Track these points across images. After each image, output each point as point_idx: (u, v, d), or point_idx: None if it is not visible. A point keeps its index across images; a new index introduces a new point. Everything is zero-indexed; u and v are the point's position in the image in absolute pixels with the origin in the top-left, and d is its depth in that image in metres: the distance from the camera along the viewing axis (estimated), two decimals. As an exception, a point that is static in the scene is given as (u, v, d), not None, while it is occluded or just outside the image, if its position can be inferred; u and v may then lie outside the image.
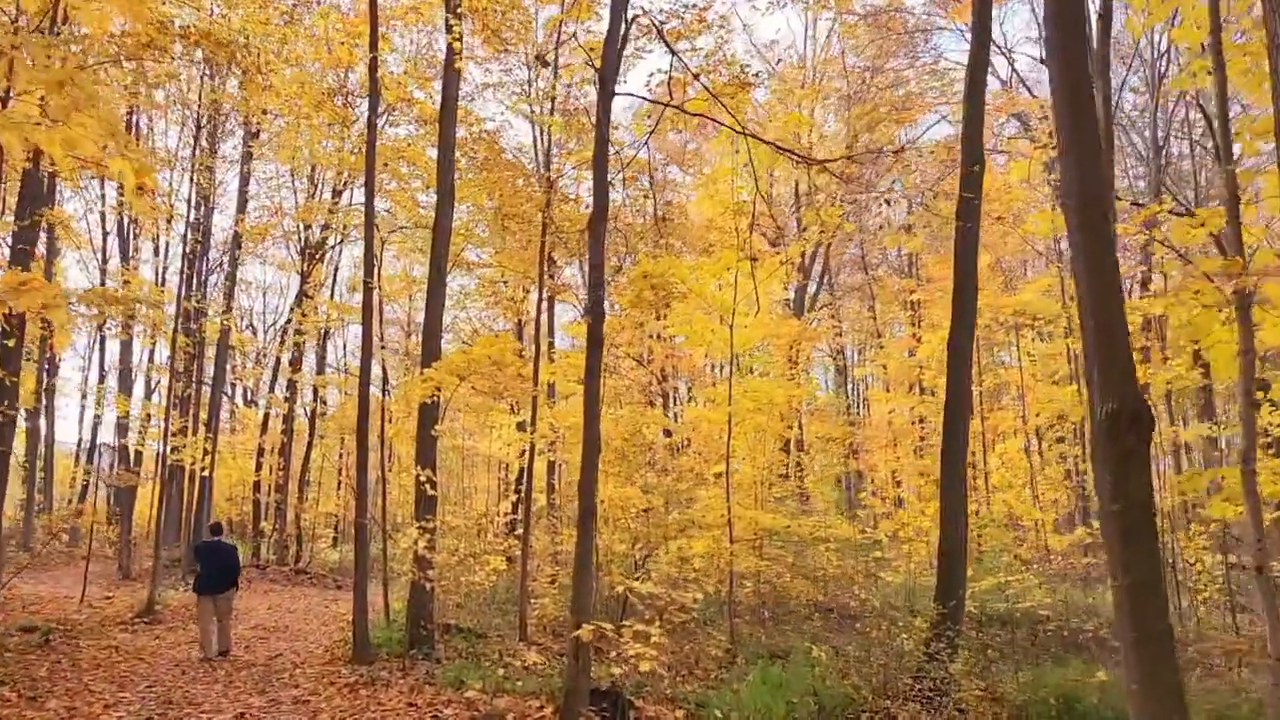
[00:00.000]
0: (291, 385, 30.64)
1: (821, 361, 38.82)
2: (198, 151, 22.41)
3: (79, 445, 36.00)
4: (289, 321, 30.57)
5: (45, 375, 28.34)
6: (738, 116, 10.85)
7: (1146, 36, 19.57)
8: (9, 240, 16.36)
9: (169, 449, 22.40)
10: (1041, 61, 21.46)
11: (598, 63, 9.52)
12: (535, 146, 23.43)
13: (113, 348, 31.87)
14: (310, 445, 31.73)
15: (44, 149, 5.61)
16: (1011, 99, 20.89)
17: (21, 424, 28.79)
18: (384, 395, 22.06)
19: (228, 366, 31.48)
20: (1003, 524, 19.34)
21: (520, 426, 20.19)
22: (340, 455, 36.23)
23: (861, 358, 41.81)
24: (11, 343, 13.42)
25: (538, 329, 17.44)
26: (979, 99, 12.30)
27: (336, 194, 28.49)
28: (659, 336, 24.65)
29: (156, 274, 29.27)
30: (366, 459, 12.94)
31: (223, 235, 30.14)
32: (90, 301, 12.32)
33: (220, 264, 29.41)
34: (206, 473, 24.52)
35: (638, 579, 11.80)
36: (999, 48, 18.61)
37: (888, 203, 14.14)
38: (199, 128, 21.84)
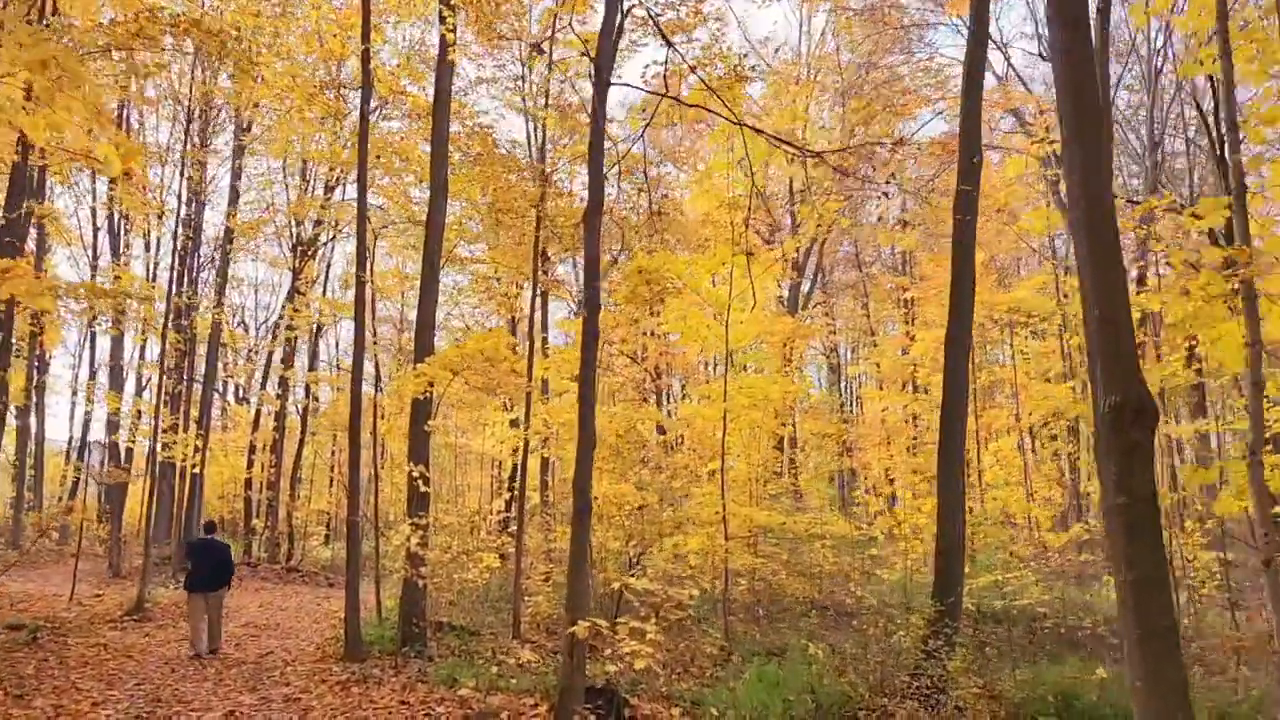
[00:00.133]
0: (283, 382, 30.47)
1: (815, 359, 38.78)
2: (189, 145, 22.23)
3: (69, 443, 35.72)
4: (281, 318, 30.40)
5: (35, 372, 28.11)
6: (734, 109, 10.75)
7: (1143, 33, 19.52)
8: (-3, 234, 16.17)
9: (160, 446, 22.23)
10: (1042, 57, 21.44)
11: (593, 53, 9.41)
12: (529, 141, 23.34)
13: (104, 344, 31.74)
14: (302, 442, 31.57)
15: (27, 133, 5.50)
16: (1008, 94, 20.83)
17: (11, 421, 28.58)
18: (376, 392, 21.93)
19: (219, 363, 31.30)
20: (998, 521, 19.30)
21: (514, 423, 20.10)
22: (332, 452, 36.13)
23: (855, 356, 41.80)
24: (-1, 338, 13.27)
25: (531, 324, 17.34)
26: (977, 93, 12.26)
27: (329, 189, 28.31)
28: (653, 333, 24.57)
29: (147, 270, 29.11)
30: (359, 456, 12.83)
31: (214, 231, 29.98)
32: (78, 295, 12.15)
33: (212, 260, 29.24)
34: (197, 470, 24.34)
35: (633, 576, 11.70)
36: (995, 43, 18.57)
37: (886, 195, 14.04)
38: (189, 121, 21.64)
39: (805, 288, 29.40)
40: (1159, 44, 20.68)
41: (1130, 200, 17.99)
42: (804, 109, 25.57)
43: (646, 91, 10.53)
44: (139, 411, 27.66)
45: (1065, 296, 21.85)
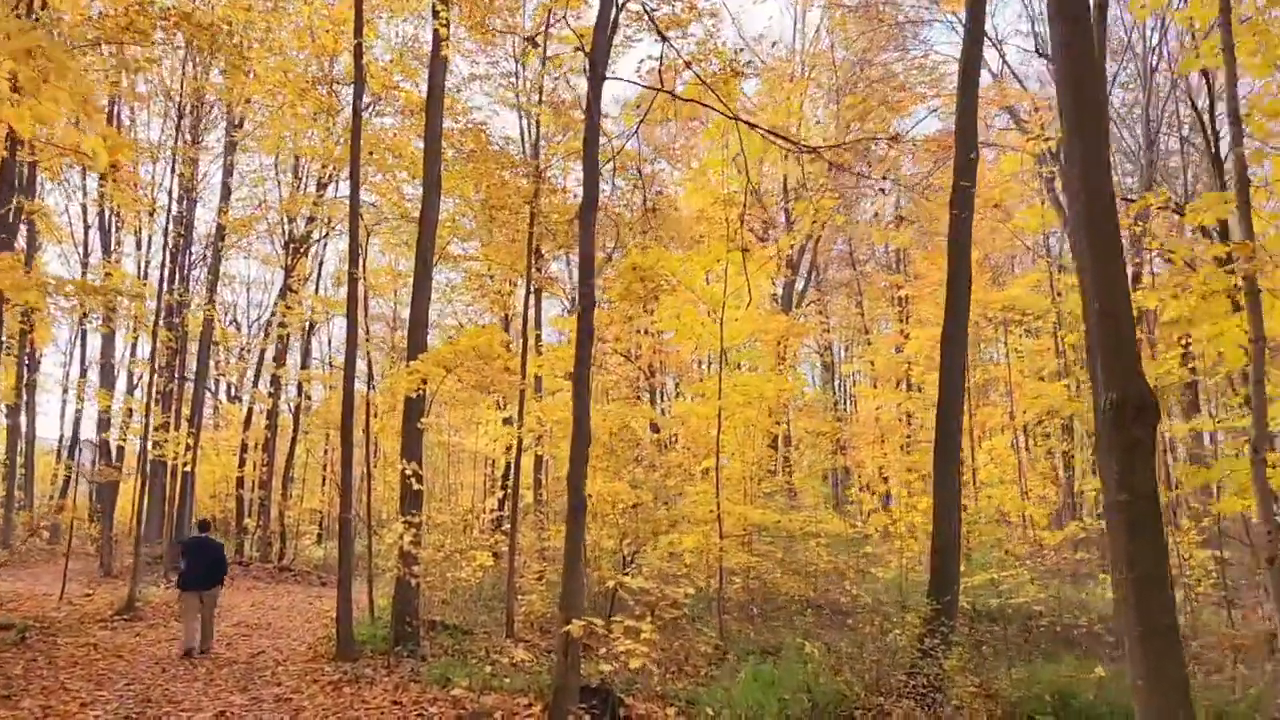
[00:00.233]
0: (275, 380, 30.37)
1: (809, 358, 38.78)
2: (180, 141, 22.10)
3: (60, 441, 35.58)
4: (273, 316, 30.28)
5: (26, 370, 27.96)
6: (729, 105, 10.69)
7: (1139, 30, 19.49)
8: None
9: (151, 445, 22.10)
10: (1038, 53, 21.39)
11: (588, 48, 9.34)
12: (523, 138, 23.25)
13: (94, 342, 31.56)
14: (294, 441, 31.47)
15: (14, 125, 5.40)
16: (1003, 91, 20.80)
17: (1, 420, 28.51)
18: (369, 390, 21.84)
19: (211, 361, 31.18)
20: (993, 520, 19.27)
21: (507, 421, 20.01)
22: (325, 451, 35.99)
23: (849, 354, 41.81)
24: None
25: (525, 322, 17.28)
26: (973, 89, 12.22)
27: (321, 186, 28.22)
28: (647, 331, 24.51)
29: (139, 268, 29.00)
30: (351, 454, 12.75)
31: (206, 229, 29.86)
32: (67, 292, 12.05)
33: (203, 257, 29.11)
34: (189, 469, 24.23)
35: (627, 574, 11.64)
36: (990, 40, 18.49)
37: (883, 191, 14.00)
38: (181, 117, 21.52)
39: (799, 286, 29.35)
40: (1154, 42, 20.66)
41: (1125, 198, 17.96)
42: (798, 106, 25.51)
43: (642, 86, 10.47)
44: (130, 410, 27.54)
45: (1059, 295, 21.83)
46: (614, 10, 9.58)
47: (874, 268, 36.41)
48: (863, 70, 24.96)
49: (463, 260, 24.93)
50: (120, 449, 28.24)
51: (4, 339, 20.48)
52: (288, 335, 30.21)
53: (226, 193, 26.48)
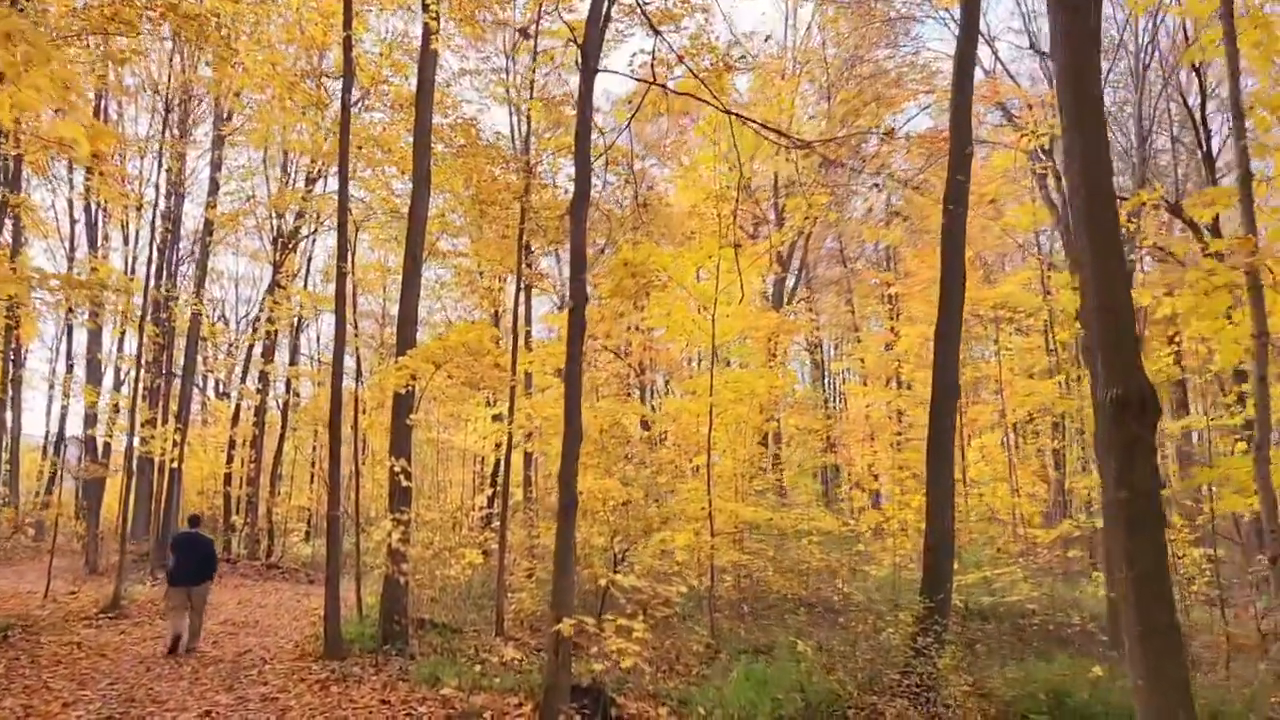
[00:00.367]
0: (264, 377, 30.18)
1: (798, 355, 38.73)
2: (167, 134, 21.91)
3: (46, 438, 35.32)
4: (261, 312, 30.10)
5: (11, 366, 27.72)
6: (721, 99, 10.61)
7: (1131, 27, 19.47)
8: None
9: (138, 441, 21.91)
10: (1032, 48, 21.35)
11: (580, 40, 9.25)
12: (513, 134, 23.12)
13: (81, 338, 31.33)
14: (282, 438, 31.27)
15: (-7, 114, 5.29)
16: (995, 87, 20.73)
17: (-14, 416, 28.25)
18: (358, 386, 21.71)
19: (199, 357, 30.97)
20: (986, 518, 19.26)
21: (496, 418, 19.89)
22: (313, 448, 35.81)
23: (839, 352, 41.77)
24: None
25: (515, 318, 17.15)
26: (968, 83, 12.18)
27: (310, 181, 28.03)
28: (637, 328, 24.41)
29: (126, 263, 28.79)
30: (339, 450, 12.63)
31: (194, 224, 29.66)
32: (51, 286, 11.89)
33: (191, 253, 28.92)
34: (176, 465, 24.04)
35: (618, 573, 11.55)
36: (983, 37, 18.48)
37: (878, 187, 13.93)
38: (168, 111, 21.33)
39: (790, 283, 29.30)
40: (1145, 39, 20.63)
41: (1119, 196, 17.94)
42: (790, 103, 25.43)
43: (635, 79, 10.37)
44: (116, 406, 27.34)
45: (1049, 293, 21.81)
46: (606, 3, 9.49)
47: (864, 265, 36.37)
48: (854, 67, 24.90)
49: (452, 256, 24.81)
50: (107, 446, 28.04)
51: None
52: (276, 331, 30.03)
53: (214, 187, 26.29)
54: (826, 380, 39.05)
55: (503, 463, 15.49)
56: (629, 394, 26.77)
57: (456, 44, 21.19)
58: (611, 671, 9.17)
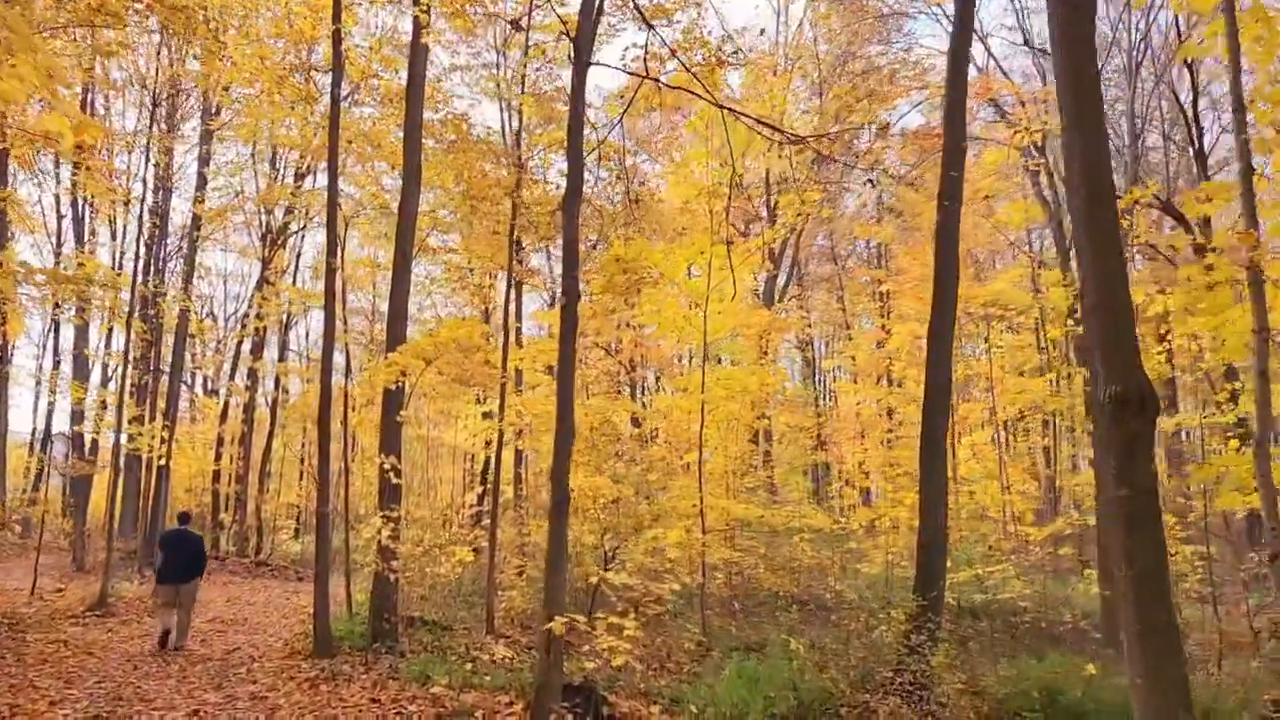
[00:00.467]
0: (252, 373, 30.04)
1: (789, 353, 38.72)
2: (155, 129, 21.74)
3: (33, 435, 35.08)
4: (250, 308, 29.95)
5: (-3, 362, 27.53)
6: (714, 93, 10.54)
7: (1124, 25, 19.47)
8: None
9: (125, 438, 21.75)
10: (1026, 44, 21.33)
11: (572, 33, 9.17)
12: (504, 130, 23.01)
13: (68, 334, 31.13)
14: (271, 435, 31.14)
15: (-26, 103, 5.19)
16: (988, 83, 20.72)
17: (-28, 412, 28.00)
18: (347, 383, 21.58)
19: (187, 354, 30.80)
20: (977, 516, 19.25)
21: (487, 415, 19.80)
22: (302, 445, 35.70)
23: (829, 349, 41.80)
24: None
25: (506, 315, 17.09)
26: (962, 79, 12.15)
27: (299, 177, 27.87)
28: (629, 325, 24.35)
29: (113, 258, 28.56)
30: (329, 447, 12.52)
31: (182, 219, 29.47)
32: (37, 281, 11.76)
33: (179, 248, 28.73)
34: (164, 462, 23.87)
35: (609, 570, 11.49)
36: (976, 33, 18.42)
37: (871, 183, 13.88)
38: (155, 105, 21.16)
39: (781, 280, 29.27)
40: (1137, 37, 20.65)
41: (1111, 194, 17.92)
42: (782, 100, 25.37)
43: (627, 73, 10.29)
44: (104, 402, 27.15)
45: (1040, 291, 21.82)
46: (599, -5, 9.41)
47: (855, 263, 36.40)
48: (846, 63, 24.88)
49: (443, 252, 24.68)
50: (94, 442, 27.86)
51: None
52: (265, 328, 29.88)
53: (202, 182, 26.12)
54: (817, 378, 39.05)
55: (493, 460, 15.42)
56: (620, 391, 26.71)
57: (447, 39, 21.10)
58: (603, 669, 9.11)
